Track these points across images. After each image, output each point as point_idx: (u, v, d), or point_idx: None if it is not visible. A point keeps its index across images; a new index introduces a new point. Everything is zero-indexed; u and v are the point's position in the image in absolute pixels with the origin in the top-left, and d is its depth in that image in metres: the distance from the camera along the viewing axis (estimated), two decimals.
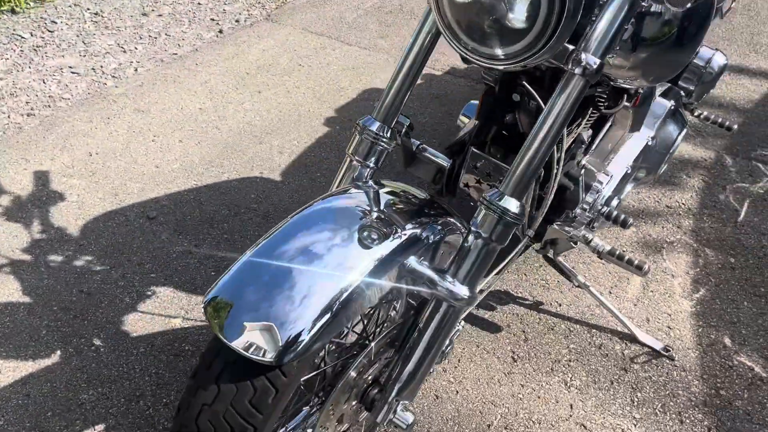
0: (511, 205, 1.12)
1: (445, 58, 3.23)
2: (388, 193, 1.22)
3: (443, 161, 1.80)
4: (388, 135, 1.29)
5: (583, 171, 1.67)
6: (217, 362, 1.00)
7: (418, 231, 1.13)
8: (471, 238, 1.14)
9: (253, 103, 2.88)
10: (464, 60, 1.20)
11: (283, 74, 3.09)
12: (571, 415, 1.64)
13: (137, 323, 1.87)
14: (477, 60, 1.11)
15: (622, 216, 1.62)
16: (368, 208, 1.14)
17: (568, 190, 1.63)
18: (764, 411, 1.65)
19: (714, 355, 1.79)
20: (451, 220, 1.23)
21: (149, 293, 1.96)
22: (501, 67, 1.10)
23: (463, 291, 1.13)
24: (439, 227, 1.18)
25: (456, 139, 1.79)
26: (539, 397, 1.67)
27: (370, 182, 1.26)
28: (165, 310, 1.91)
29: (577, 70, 1.03)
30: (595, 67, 1.05)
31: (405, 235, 1.11)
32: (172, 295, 1.96)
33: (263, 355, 0.95)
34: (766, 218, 2.25)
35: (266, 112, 2.82)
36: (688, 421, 1.63)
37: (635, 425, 1.62)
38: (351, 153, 1.31)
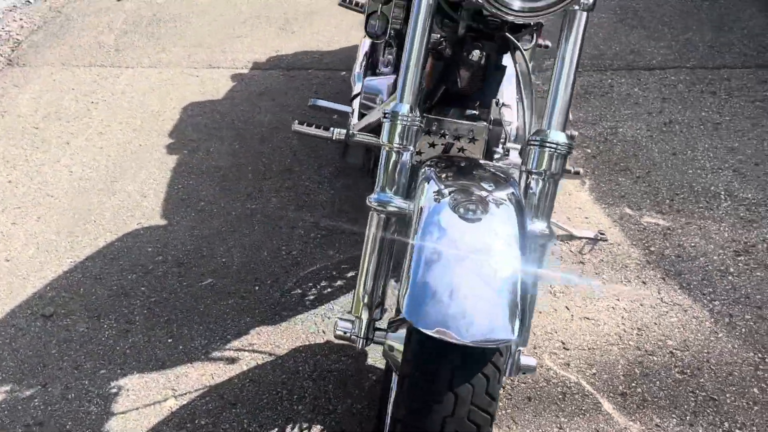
0: (561, 137, 1.24)
1: (244, 54, 3.14)
2: (462, 168, 1.26)
3: (373, 141, 1.83)
4: (419, 115, 1.31)
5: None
6: (443, 369, 0.97)
7: (512, 193, 1.20)
8: (533, 180, 1.25)
9: (70, 157, 2.50)
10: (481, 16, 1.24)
11: (79, 117, 2.72)
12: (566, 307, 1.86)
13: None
14: (515, 15, 1.18)
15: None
16: (470, 187, 1.17)
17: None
18: (686, 249, 2.05)
19: (627, 224, 2.15)
20: (503, 171, 1.31)
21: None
22: (523, 20, 1.20)
23: (542, 227, 1.24)
24: (512, 181, 1.26)
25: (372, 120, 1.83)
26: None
27: (435, 164, 1.27)
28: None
29: (579, 7, 1.18)
30: (591, 1, 1.22)
31: (512, 201, 1.16)
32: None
33: (498, 336, 0.95)
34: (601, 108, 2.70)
35: (93, 162, 2.48)
36: (648, 280, 1.96)
37: (618, 301, 1.90)
38: (387, 142, 1.29)
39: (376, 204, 1.29)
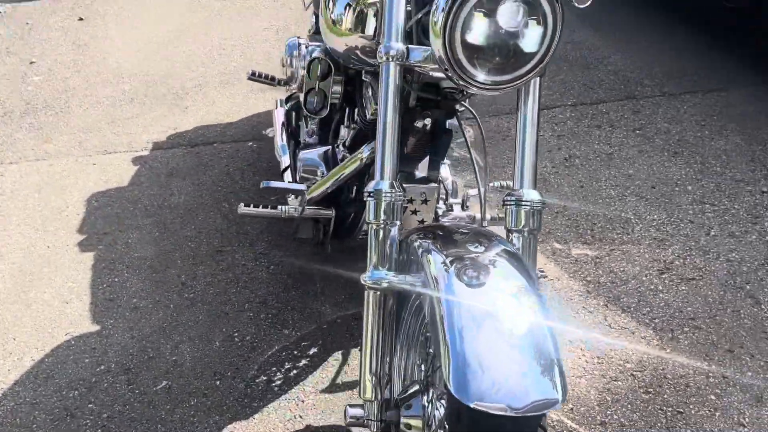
0: (535, 194, 1.31)
1: (140, 135, 3.01)
2: (461, 234, 1.28)
3: (325, 213, 1.83)
4: (400, 189, 1.32)
5: None
6: None
7: (508, 250, 1.24)
8: (515, 237, 1.30)
9: None
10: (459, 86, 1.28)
11: None
12: None
13: None
14: (479, 87, 1.23)
15: None
16: (475, 253, 1.19)
17: None
18: (618, 274, 2.20)
19: (560, 258, 2.28)
20: (487, 232, 1.36)
21: None
22: (497, 92, 1.27)
23: None
24: (500, 239, 1.30)
25: (320, 192, 1.83)
26: None
27: (425, 235, 1.29)
28: None
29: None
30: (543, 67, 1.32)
31: (514, 257, 1.20)
32: None
33: (550, 398, 0.98)
34: None
35: (9, 277, 2.26)
36: (593, 308, 2.08)
37: (573, 334, 2.00)
38: (374, 219, 1.30)
39: (371, 282, 1.29)
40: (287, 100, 2.41)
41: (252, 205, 1.86)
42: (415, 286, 1.25)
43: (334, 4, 1.58)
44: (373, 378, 1.29)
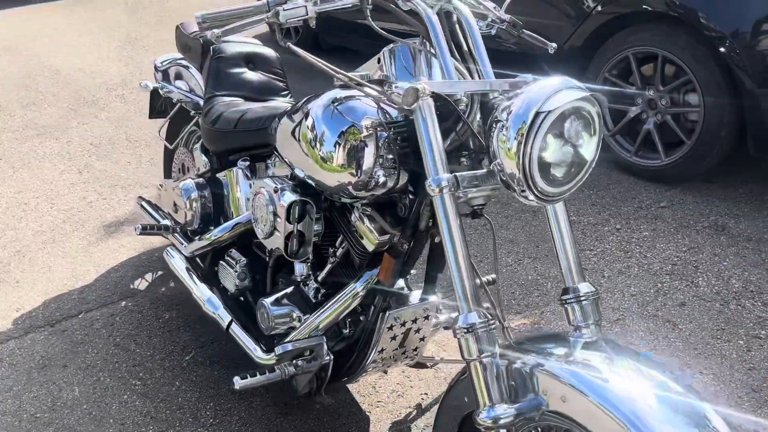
0: (588, 287, 1.38)
1: None
2: (559, 344, 1.29)
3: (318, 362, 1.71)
4: (488, 315, 1.28)
5: None
6: None
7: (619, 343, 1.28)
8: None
9: None
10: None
11: None
12: None
13: None
14: (546, 200, 1.26)
15: None
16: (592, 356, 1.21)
17: None
18: None
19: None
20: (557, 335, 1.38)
21: None
22: (550, 204, 1.31)
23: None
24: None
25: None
26: None
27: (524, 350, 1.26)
28: None
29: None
30: None
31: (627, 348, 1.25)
32: None
33: None
34: None
35: None
36: None
37: None
38: (477, 355, 1.24)
39: (490, 422, 1.22)
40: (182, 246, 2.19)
41: (249, 376, 1.63)
42: (538, 410, 1.23)
43: (321, 144, 1.50)
44: None
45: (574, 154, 1.24)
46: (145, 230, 2.23)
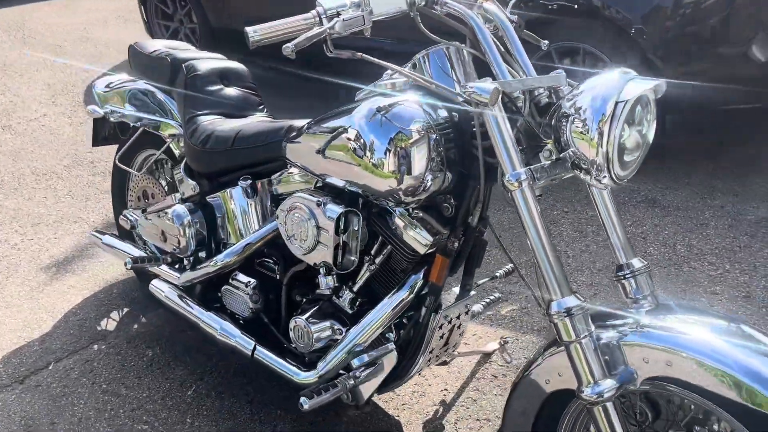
0: (640, 261, 1.50)
1: None
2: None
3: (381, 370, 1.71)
4: (583, 297, 1.35)
5: None
6: None
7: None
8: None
9: None
10: None
11: None
12: None
13: None
14: (617, 183, 1.35)
15: None
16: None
17: None
18: None
19: (516, 323, 2.46)
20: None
21: None
22: (619, 185, 1.40)
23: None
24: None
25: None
26: None
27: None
28: None
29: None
30: None
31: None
32: None
33: None
34: None
35: None
36: None
37: None
38: (574, 337, 1.30)
39: (595, 397, 1.30)
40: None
41: (314, 395, 1.58)
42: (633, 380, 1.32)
43: (371, 152, 1.50)
44: None
45: (641, 137, 1.35)
46: (137, 263, 2.08)
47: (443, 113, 1.52)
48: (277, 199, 1.95)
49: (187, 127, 2.10)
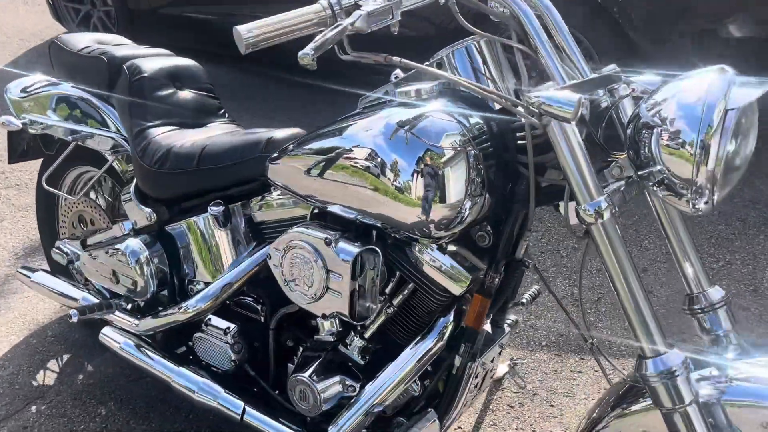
0: (719, 292, 1.26)
1: None
2: None
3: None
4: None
5: None
6: None
7: None
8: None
9: None
10: None
11: None
12: None
13: None
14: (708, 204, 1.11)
15: None
16: None
17: None
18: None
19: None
20: None
21: None
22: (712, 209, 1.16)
23: None
24: None
25: None
26: None
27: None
28: None
29: None
30: None
31: None
32: None
33: None
34: None
35: None
36: (582, 369, 2.09)
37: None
38: (678, 404, 1.05)
39: None
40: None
41: None
42: None
43: (394, 175, 1.20)
44: None
45: (741, 151, 1.10)
46: (85, 314, 1.70)
47: (478, 122, 1.23)
48: (256, 227, 1.62)
49: (137, 143, 1.71)
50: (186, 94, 1.83)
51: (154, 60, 1.83)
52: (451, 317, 1.38)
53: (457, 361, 1.39)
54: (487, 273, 1.32)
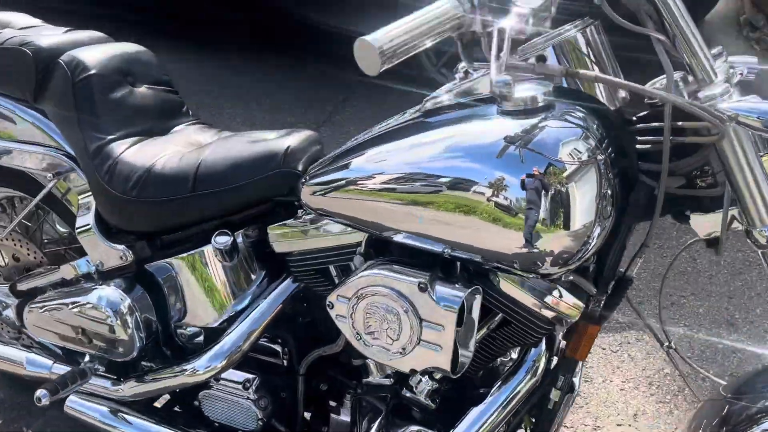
0: None
1: None
2: None
3: None
4: None
5: None
6: None
7: None
8: None
9: None
10: None
11: None
12: None
13: None
14: None
15: None
16: None
17: None
18: None
19: None
20: None
21: None
22: None
23: None
24: None
25: None
26: None
27: None
28: None
29: None
30: None
31: None
32: None
33: None
34: None
35: None
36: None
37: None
38: None
39: None
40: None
41: None
42: None
43: (507, 198, 0.97)
44: None
45: None
46: (57, 392, 1.30)
47: (595, 122, 1.03)
48: (267, 257, 1.31)
49: (97, 163, 1.31)
50: (143, 92, 1.43)
51: (95, 50, 1.40)
52: (543, 347, 1.20)
53: (554, 394, 1.21)
54: (593, 297, 1.14)
